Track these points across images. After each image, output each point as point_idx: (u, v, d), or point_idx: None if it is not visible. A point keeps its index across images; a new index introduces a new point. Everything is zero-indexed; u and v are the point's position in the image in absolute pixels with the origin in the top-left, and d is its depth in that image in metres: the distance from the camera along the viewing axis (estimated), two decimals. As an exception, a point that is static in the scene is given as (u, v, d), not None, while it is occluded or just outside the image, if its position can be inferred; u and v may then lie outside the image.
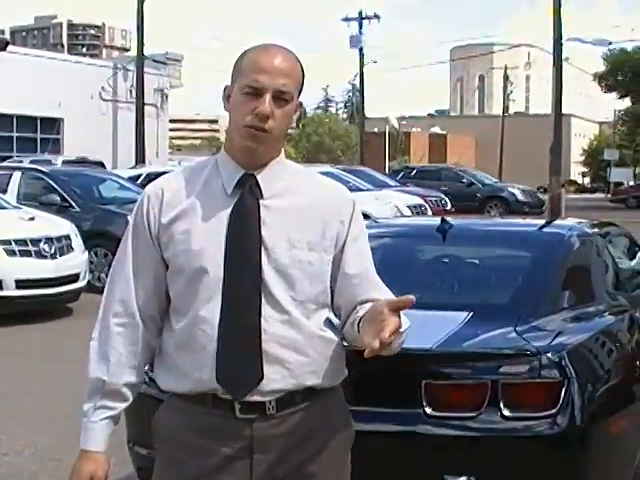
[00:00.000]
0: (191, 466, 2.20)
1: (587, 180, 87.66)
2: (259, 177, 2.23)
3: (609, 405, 3.71)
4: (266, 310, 2.17)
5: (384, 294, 2.28)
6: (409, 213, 18.26)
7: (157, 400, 2.34)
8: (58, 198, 13.39)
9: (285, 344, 2.18)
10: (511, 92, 76.60)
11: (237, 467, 2.19)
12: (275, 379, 2.17)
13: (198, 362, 2.18)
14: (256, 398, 2.17)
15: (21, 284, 10.14)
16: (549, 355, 3.47)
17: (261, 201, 2.21)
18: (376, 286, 2.32)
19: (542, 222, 6.47)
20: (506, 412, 3.39)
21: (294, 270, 2.19)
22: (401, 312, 2.06)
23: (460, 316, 3.91)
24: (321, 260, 2.24)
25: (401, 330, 2.04)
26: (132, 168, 22.71)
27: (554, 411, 3.41)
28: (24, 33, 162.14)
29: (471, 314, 3.94)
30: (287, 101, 2.19)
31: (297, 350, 2.19)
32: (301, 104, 2.29)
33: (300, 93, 2.27)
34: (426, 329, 3.89)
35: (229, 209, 2.20)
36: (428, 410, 3.45)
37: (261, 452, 2.19)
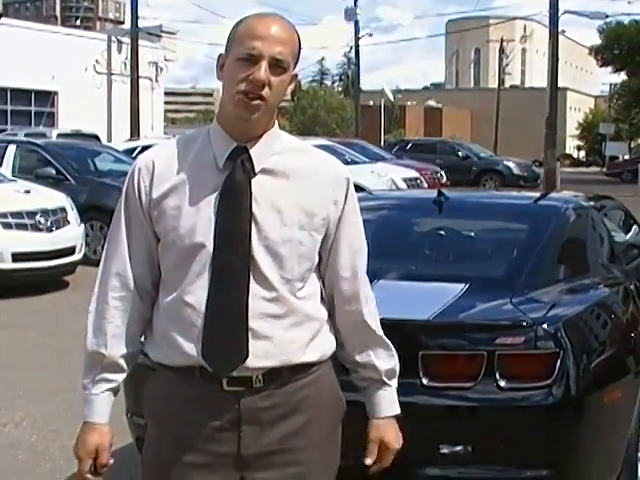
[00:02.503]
0: (181, 436, 2.22)
1: (582, 154, 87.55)
2: (251, 151, 2.19)
3: (604, 376, 3.74)
4: (254, 287, 2.15)
5: (356, 283, 2.33)
6: (404, 186, 18.27)
7: (154, 371, 2.35)
8: (53, 171, 13.35)
9: (272, 321, 2.17)
10: (507, 65, 76.25)
11: (225, 438, 2.20)
12: (262, 356, 2.16)
13: (186, 337, 2.17)
14: (243, 373, 2.17)
15: (17, 257, 10.13)
16: (545, 326, 3.49)
17: (252, 176, 2.18)
18: (352, 273, 2.33)
19: (537, 195, 6.50)
20: (502, 383, 3.42)
21: (284, 249, 2.17)
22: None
23: (456, 288, 3.93)
24: (311, 239, 2.21)
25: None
26: (127, 141, 22.66)
27: (549, 382, 3.44)
28: (17, 5, 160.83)
29: (467, 286, 3.96)
30: (284, 69, 2.15)
31: (284, 327, 2.18)
32: (296, 76, 2.24)
33: (296, 64, 2.23)
34: (423, 300, 3.93)
35: (220, 184, 2.17)
36: (424, 381, 3.47)
37: (249, 424, 2.19)
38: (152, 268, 2.26)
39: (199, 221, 2.16)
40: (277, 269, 2.17)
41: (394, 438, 2.40)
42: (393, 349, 2.42)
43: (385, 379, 2.40)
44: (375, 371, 2.39)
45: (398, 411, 2.42)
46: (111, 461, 2.29)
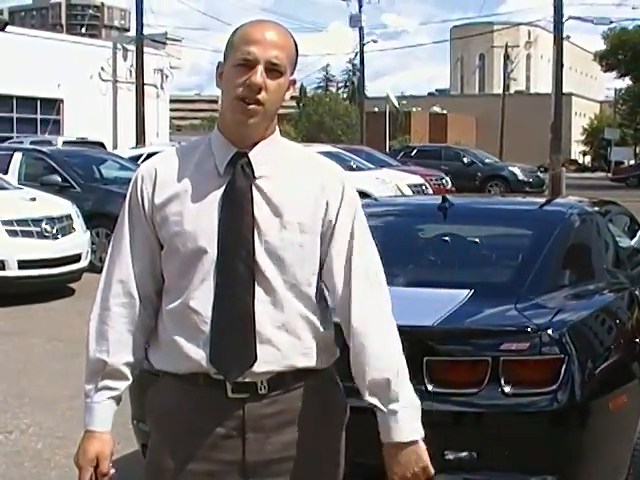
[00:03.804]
0: (185, 444, 2.21)
1: (588, 159, 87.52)
2: (251, 156, 2.20)
3: (609, 381, 3.74)
4: (259, 292, 2.16)
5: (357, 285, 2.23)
6: (410, 192, 18.27)
7: (157, 377, 2.35)
8: (59, 178, 13.38)
9: (277, 326, 2.17)
10: (512, 71, 76.32)
11: (230, 445, 2.19)
12: (268, 361, 2.16)
13: (192, 343, 2.17)
14: (248, 379, 2.17)
15: (23, 264, 10.15)
16: (549, 332, 3.49)
17: (253, 181, 2.19)
18: (352, 276, 2.24)
19: (542, 200, 6.50)
20: (507, 388, 3.42)
21: (285, 252, 2.17)
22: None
23: (461, 294, 3.93)
24: (312, 242, 2.22)
25: None
26: (133, 148, 22.71)
27: (554, 387, 3.44)
28: (22, 13, 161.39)
29: (472, 292, 3.96)
30: (280, 73, 2.16)
31: (289, 331, 2.19)
32: (294, 82, 2.26)
33: (294, 70, 2.24)
34: (427, 307, 3.93)
35: (221, 189, 2.18)
36: (429, 387, 3.47)
37: (253, 431, 2.19)
38: (155, 275, 2.27)
39: (202, 227, 2.17)
40: (280, 273, 2.18)
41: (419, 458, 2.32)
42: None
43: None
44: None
45: (422, 433, 2.29)
46: (112, 470, 2.27)
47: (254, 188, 2.18)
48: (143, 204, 2.23)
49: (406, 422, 2.22)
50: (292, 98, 2.31)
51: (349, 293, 2.23)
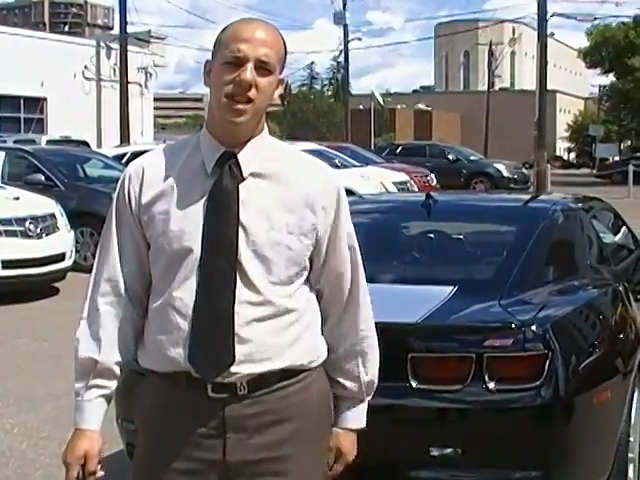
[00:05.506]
0: (169, 442, 2.22)
1: (572, 156, 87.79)
2: (239, 155, 2.19)
3: (593, 377, 3.75)
4: (241, 292, 2.15)
5: (354, 289, 2.34)
6: (394, 189, 18.28)
7: (144, 376, 2.35)
8: (43, 177, 13.33)
9: (258, 326, 2.16)
10: (496, 68, 76.41)
11: (211, 445, 2.19)
12: (247, 362, 2.15)
13: (172, 342, 2.17)
14: (227, 380, 2.16)
15: (7, 264, 10.10)
16: (533, 328, 3.50)
17: (240, 181, 2.18)
18: (350, 280, 2.34)
19: (526, 197, 6.52)
20: (491, 385, 3.43)
21: (271, 252, 2.17)
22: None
23: (445, 290, 3.94)
24: (300, 244, 2.20)
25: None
26: (117, 147, 22.63)
27: (538, 383, 3.45)
28: (5, 11, 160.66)
29: (456, 288, 3.97)
30: (270, 72, 2.16)
31: (269, 332, 2.17)
32: (283, 80, 2.26)
33: (282, 69, 2.24)
34: (411, 303, 3.94)
35: (208, 189, 2.17)
36: (414, 383, 3.48)
37: (234, 431, 2.19)
38: (143, 274, 2.26)
39: (187, 226, 2.16)
40: (265, 273, 2.17)
41: (350, 449, 2.43)
42: (378, 355, 2.43)
43: (364, 395, 2.42)
44: (357, 383, 2.39)
45: (364, 425, 2.43)
46: (101, 473, 2.26)
47: (242, 188, 2.17)
48: (130, 203, 2.23)
49: (364, 412, 2.47)
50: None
51: (357, 294, 2.35)
